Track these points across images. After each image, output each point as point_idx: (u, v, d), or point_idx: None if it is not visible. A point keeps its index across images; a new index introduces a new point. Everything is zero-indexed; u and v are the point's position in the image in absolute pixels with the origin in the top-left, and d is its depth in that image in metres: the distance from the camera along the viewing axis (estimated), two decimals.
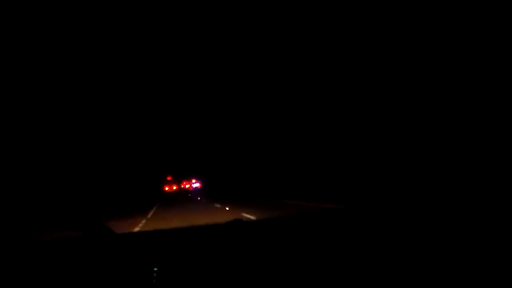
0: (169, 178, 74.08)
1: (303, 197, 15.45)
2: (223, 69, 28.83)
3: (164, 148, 63.37)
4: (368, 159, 16.17)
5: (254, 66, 24.76)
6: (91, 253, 1.97)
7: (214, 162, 49.57)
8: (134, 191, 37.56)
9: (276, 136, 25.40)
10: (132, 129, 44.55)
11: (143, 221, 12.72)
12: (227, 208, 15.04)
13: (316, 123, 20.08)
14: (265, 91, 24.54)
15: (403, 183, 12.29)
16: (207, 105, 40.36)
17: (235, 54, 25.72)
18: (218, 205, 16.96)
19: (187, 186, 73.60)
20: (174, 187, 70.81)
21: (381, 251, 1.91)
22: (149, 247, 2.12)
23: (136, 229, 10.02)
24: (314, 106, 19.86)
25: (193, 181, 70.33)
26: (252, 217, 10.17)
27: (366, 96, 16.40)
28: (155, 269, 1.86)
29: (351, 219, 2.46)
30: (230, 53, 26.10)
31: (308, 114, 20.69)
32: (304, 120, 21.16)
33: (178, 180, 74.24)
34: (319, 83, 18.67)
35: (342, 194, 13.78)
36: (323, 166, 19.65)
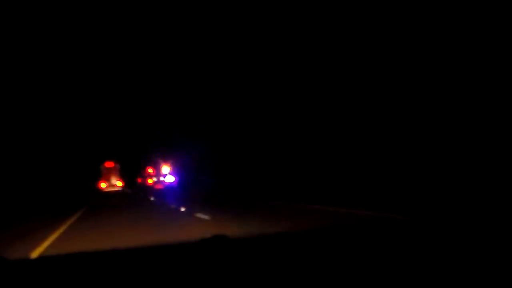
0: (108, 164, 42.87)
1: (319, 199, 12.33)
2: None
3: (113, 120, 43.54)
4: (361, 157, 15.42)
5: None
6: None
7: (190, 148, 35.29)
8: (47, 188, 25.54)
9: (269, 126, 23.76)
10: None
11: (51, 239, 7.87)
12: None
13: (310, 120, 19.22)
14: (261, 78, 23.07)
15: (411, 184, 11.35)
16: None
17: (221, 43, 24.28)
18: (205, 216, 10.47)
19: (149, 181, 46.51)
20: (118, 183, 42.31)
21: None
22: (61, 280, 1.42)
23: (35, 253, 6.47)
24: (305, 104, 19.07)
25: (164, 170, 42.64)
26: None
27: (358, 95, 15.87)
28: None
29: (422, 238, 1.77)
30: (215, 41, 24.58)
31: (303, 111, 19.87)
32: (299, 117, 20.26)
33: (129, 171, 46.29)
34: (323, 75, 17.92)
35: (351, 195, 12.20)
36: (321, 162, 17.91)
